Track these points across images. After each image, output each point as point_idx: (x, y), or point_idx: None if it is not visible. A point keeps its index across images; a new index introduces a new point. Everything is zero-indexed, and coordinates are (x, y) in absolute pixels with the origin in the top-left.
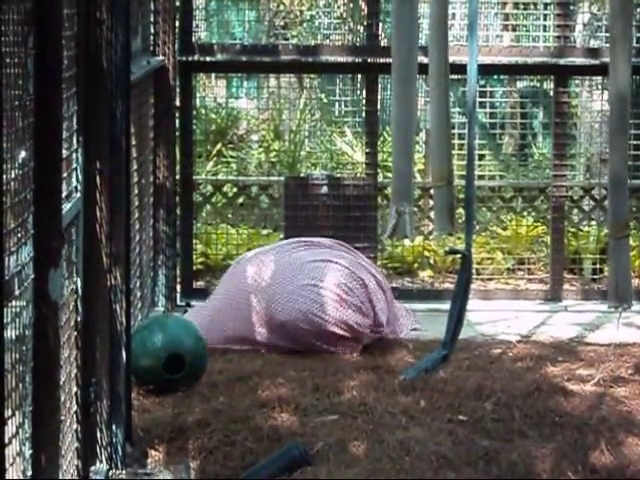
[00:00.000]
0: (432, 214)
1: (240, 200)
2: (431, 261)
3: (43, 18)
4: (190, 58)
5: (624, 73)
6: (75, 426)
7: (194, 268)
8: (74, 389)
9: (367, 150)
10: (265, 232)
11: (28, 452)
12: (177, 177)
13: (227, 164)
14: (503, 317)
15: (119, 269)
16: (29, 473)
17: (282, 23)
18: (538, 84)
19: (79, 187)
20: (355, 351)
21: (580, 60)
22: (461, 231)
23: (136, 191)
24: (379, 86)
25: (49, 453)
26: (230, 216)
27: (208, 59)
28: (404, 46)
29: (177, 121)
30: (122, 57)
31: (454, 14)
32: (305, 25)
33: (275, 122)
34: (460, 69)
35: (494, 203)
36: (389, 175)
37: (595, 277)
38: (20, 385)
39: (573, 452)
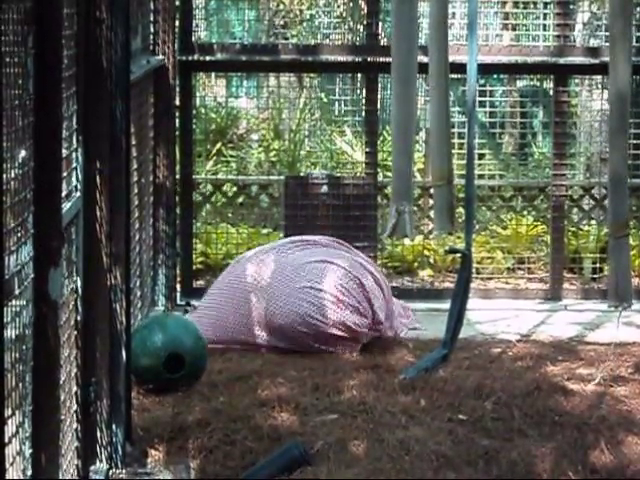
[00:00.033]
0: (432, 213)
1: (240, 199)
2: (431, 260)
3: (43, 17)
4: (190, 57)
5: (624, 72)
6: (75, 425)
7: (194, 267)
8: (74, 388)
9: (367, 149)
10: (265, 231)
11: (28, 451)
12: (177, 176)
13: (227, 163)
14: (503, 316)
15: (119, 268)
16: (29, 472)
17: (282, 22)
18: (538, 83)
19: (79, 186)
20: (354, 351)
21: (580, 59)
22: (461, 230)
23: (136, 190)
24: (379, 85)
25: (49, 452)
26: (230, 215)
27: (208, 58)
28: (404, 45)
29: (177, 120)
30: (122, 56)
31: (454, 13)
32: (305, 24)
33: (275, 121)
34: (460, 68)
35: (494, 202)
36: (389, 174)
37: (595, 276)
38: (20, 384)
39: (573, 451)
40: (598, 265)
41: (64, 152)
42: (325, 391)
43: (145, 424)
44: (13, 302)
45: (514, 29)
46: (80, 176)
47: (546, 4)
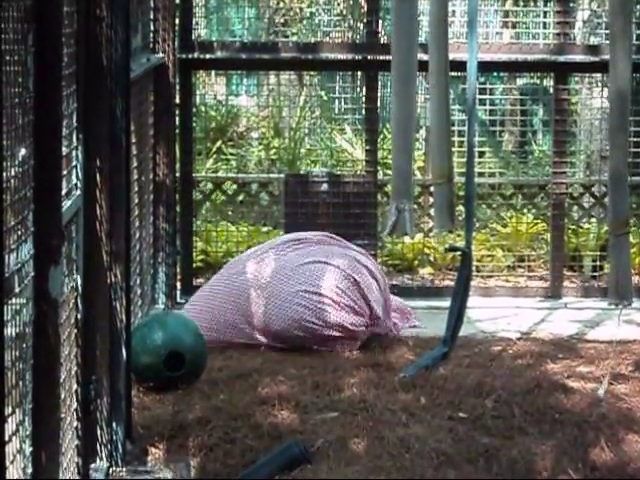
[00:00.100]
0: (432, 211)
1: (240, 197)
2: (431, 258)
3: (43, 16)
4: (190, 55)
5: (624, 70)
6: (75, 424)
7: (194, 265)
8: (74, 387)
9: (367, 147)
10: (265, 229)
11: (28, 450)
12: (177, 174)
13: (227, 161)
14: (503, 314)
15: (119, 267)
16: (29, 471)
17: (282, 20)
18: (538, 81)
19: (79, 184)
20: (353, 348)
21: (580, 57)
22: (461, 228)
23: (136, 189)
24: (379, 83)
25: (49, 451)
26: (230, 213)
27: (208, 56)
28: (404, 43)
29: (177, 118)
30: (122, 55)
31: (454, 11)
32: (305, 22)
33: (275, 119)
34: (460, 66)
35: (494, 200)
36: (389, 172)
37: (595, 274)
38: (20, 383)
39: (573, 449)
40: (598, 263)
41: (64, 150)
42: (325, 389)
43: (145, 422)
44: (13, 300)
45: (514, 27)
46: (80, 174)
47: (546, 2)
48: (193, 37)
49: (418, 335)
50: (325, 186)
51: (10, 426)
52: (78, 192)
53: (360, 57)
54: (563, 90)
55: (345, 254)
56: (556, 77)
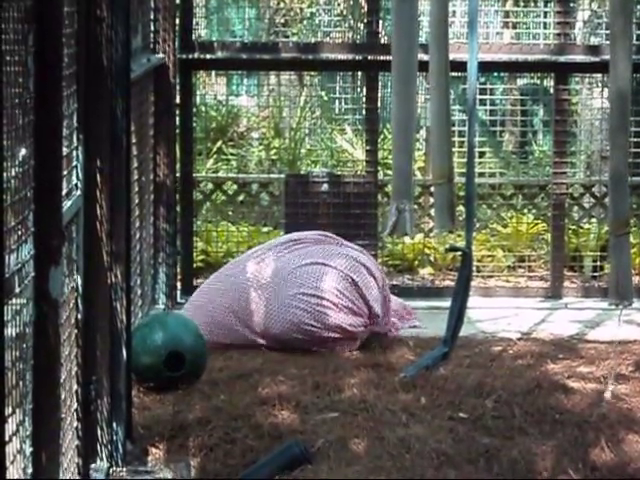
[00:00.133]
0: (432, 211)
1: (240, 198)
2: (431, 258)
3: (43, 16)
4: (190, 56)
5: (624, 70)
6: (75, 424)
7: (194, 266)
8: (74, 387)
9: (367, 148)
10: (265, 230)
11: (28, 450)
12: (177, 175)
13: (227, 162)
14: (503, 314)
15: (119, 267)
16: (29, 471)
17: (282, 20)
18: (538, 81)
19: (79, 185)
20: (352, 348)
21: (580, 57)
22: (461, 228)
23: (136, 189)
24: (379, 84)
25: (49, 451)
26: (230, 214)
27: (208, 57)
28: (404, 44)
29: (177, 119)
30: (122, 55)
31: (454, 11)
32: (305, 22)
33: (275, 120)
34: (460, 66)
35: (494, 200)
36: (389, 173)
37: (595, 274)
38: (20, 383)
39: (573, 449)
40: (599, 263)
41: (64, 150)
42: (326, 389)
43: (146, 422)
44: (13, 300)
45: (514, 27)
46: (80, 174)
47: (546, 2)
48: (193, 37)
49: (418, 335)
50: (325, 186)
51: (10, 426)
52: (78, 192)
53: (360, 57)
54: (563, 90)
55: (342, 253)
56: (556, 77)
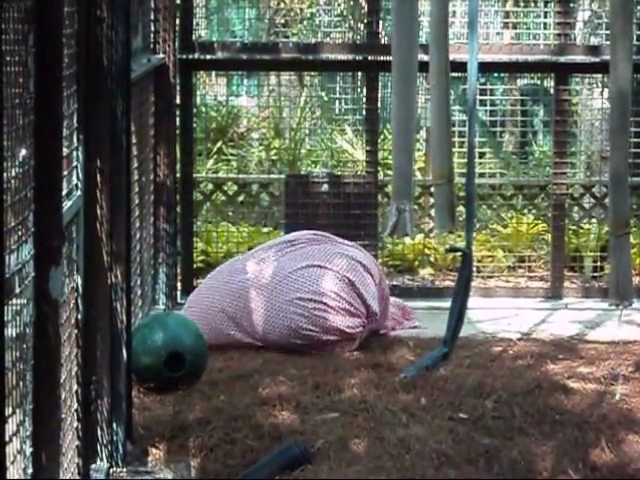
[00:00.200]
0: (432, 212)
1: (240, 198)
2: (431, 259)
3: (43, 16)
4: (190, 56)
5: (625, 71)
6: (76, 424)
7: (194, 266)
8: (74, 387)
9: (367, 148)
10: (265, 230)
11: (29, 450)
12: (177, 175)
13: (227, 162)
14: (504, 315)
15: (120, 267)
16: (30, 471)
17: (282, 21)
18: (538, 82)
19: (79, 185)
20: (351, 349)
21: (580, 58)
22: (461, 229)
23: (136, 189)
24: (379, 84)
25: (50, 451)
26: (230, 214)
27: (208, 57)
28: (404, 44)
29: (177, 119)
30: (122, 55)
31: (454, 12)
32: (305, 23)
33: (275, 120)
34: (460, 67)
35: (494, 201)
36: (389, 173)
37: (596, 275)
38: (21, 383)
39: (573, 450)
40: (599, 264)
41: (65, 151)
42: (326, 390)
43: (146, 423)
44: (14, 301)
45: (515, 27)
46: (81, 175)
47: (547, 2)
48: (194, 38)
49: (418, 336)
50: (325, 187)
51: (11, 426)
52: (78, 193)
53: (360, 58)
54: (564, 91)
55: (338, 253)
56: (557, 78)
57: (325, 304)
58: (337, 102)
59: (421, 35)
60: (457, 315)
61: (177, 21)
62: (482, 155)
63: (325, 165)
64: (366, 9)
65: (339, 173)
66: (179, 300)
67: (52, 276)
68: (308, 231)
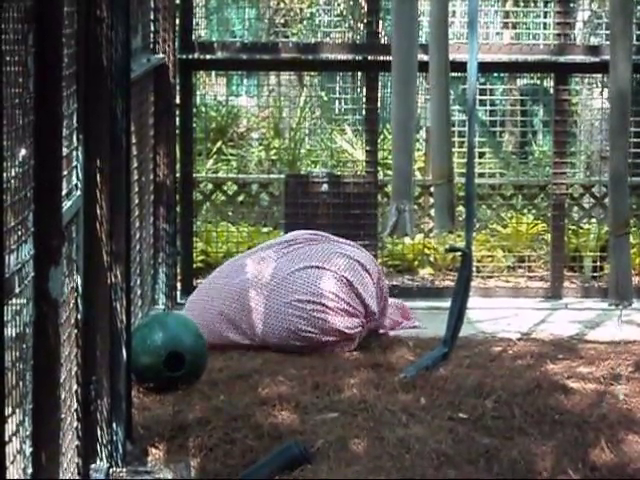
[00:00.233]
0: (432, 212)
1: (240, 198)
2: (431, 259)
3: (43, 16)
4: (190, 56)
5: (624, 71)
6: (75, 424)
7: (194, 266)
8: (74, 387)
9: (367, 148)
10: (265, 230)
11: (28, 450)
12: (177, 175)
13: (227, 162)
14: (503, 315)
15: (119, 267)
16: (29, 471)
17: (282, 21)
18: (538, 82)
19: (79, 185)
20: (350, 348)
21: (580, 58)
22: (461, 229)
23: (136, 189)
24: (379, 84)
25: (49, 451)
26: (230, 214)
27: (208, 57)
28: (404, 44)
29: (177, 119)
30: (122, 55)
31: (454, 12)
32: (305, 23)
33: (275, 120)
34: (460, 67)
35: (494, 201)
36: (389, 173)
37: (595, 275)
38: (20, 383)
39: (573, 450)
40: (598, 263)
41: (64, 150)
42: (325, 389)
43: (145, 422)
44: (13, 301)
45: (514, 27)
46: (80, 175)
47: (546, 2)
48: (193, 38)
49: (418, 336)
50: (325, 187)
51: (10, 426)
52: (78, 192)
53: (360, 57)
54: (563, 91)
55: (336, 252)
56: (556, 78)
57: (324, 305)
58: (337, 102)
59: (421, 35)
60: (457, 315)
61: (177, 21)
62: (482, 155)
63: (325, 165)
64: (366, 9)
65: (339, 173)
66: (179, 300)
67: (52, 276)
68: (305, 231)
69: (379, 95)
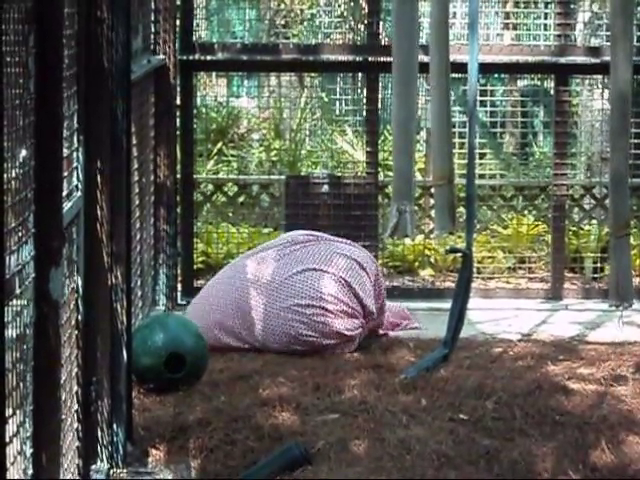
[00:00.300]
0: (433, 213)
1: (241, 199)
2: (432, 260)
3: (44, 17)
4: (191, 57)
5: (625, 72)
6: (76, 425)
7: (195, 267)
8: (75, 388)
9: (368, 149)
10: (266, 231)
11: (29, 451)
12: (178, 176)
13: (228, 163)
14: (504, 316)
15: (120, 268)
16: (30, 472)
17: (283, 22)
18: (539, 83)
19: (80, 186)
20: (351, 349)
21: (581, 59)
22: (462, 230)
23: (137, 190)
24: (380, 85)
25: (50, 452)
26: (231, 215)
27: (209, 58)
28: (405, 45)
29: (178, 120)
30: (123, 56)
31: (455, 13)
32: (306, 24)
33: (276, 121)
34: (461, 68)
35: (495, 202)
36: (390, 174)
37: (596, 276)
38: (21, 384)
39: (574, 451)
40: (599, 265)
41: (65, 151)
42: (326, 391)
43: (146, 423)
44: (14, 302)
45: (515, 28)
46: (81, 175)
47: (547, 4)
48: (194, 39)
49: (419, 337)
50: (326, 188)
51: (11, 427)
52: (79, 193)
53: (361, 59)
54: (564, 92)
55: (334, 252)
56: (557, 79)
57: (324, 308)
58: (337, 103)
59: (421, 36)
60: (457, 316)
61: (177, 22)
62: (482, 156)
63: (325, 166)
64: (366, 10)
65: (339, 174)
66: (179, 301)
67: (52, 277)
68: (302, 231)
69: (380, 96)
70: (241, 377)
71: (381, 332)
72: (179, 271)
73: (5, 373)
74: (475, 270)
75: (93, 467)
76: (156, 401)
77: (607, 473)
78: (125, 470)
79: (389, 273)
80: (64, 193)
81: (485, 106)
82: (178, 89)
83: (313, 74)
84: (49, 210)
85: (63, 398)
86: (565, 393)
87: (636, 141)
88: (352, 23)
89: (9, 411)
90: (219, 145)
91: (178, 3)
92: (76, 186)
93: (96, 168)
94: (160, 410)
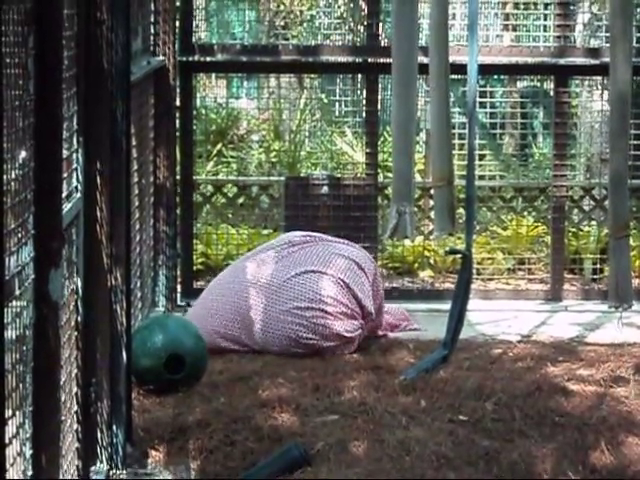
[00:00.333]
0: (432, 214)
1: (240, 200)
2: (431, 261)
3: (43, 18)
4: (190, 58)
5: (624, 73)
6: (75, 426)
7: (194, 268)
8: (74, 389)
9: (367, 150)
10: (265, 232)
11: (28, 452)
12: (177, 177)
13: (227, 164)
14: (503, 317)
15: (119, 269)
16: (29, 473)
17: (282, 23)
18: (538, 84)
19: (79, 187)
20: (350, 350)
21: (580, 60)
22: (461, 231)
23: (136, 191)
24: (379, 86)
25: (49, 453)
26: (230, 216)
27: (208, 59)
28: (404, 46)
29: (177, 121)
30: (122, 57)
31: (454, 14)
32: (305, 25)
33: (275, 122)
34: (460, 69)
35: (494, 203)
36: (389, 175)
37: (595, 277)
38: (20, 385)
39: (573, 452)
40: (598, 266)
41: (64, 153)
42: (325, 392)
43: (145, 425)
44: (14, 303)
45: (514, 30)
46: (80, 177)
47: (546, 5)
48: (193, 40)
49: (418, 338)
50: (325, 189)
51: (10, 429)
52: (78, 195)
53: (360, 60)
54: (563, 93)
55: (332, 253)
56: (556, 80)
57: (323, 311)
58: (337, 104)
59: (421, 37)
60: (457, 317)
61: (177, 23)
62: (482, 157)
63: (325, 167)
64: (366, 11)
65: (339, 175)
66: (179, 302)
67: (52, 278)
68: (299, 232)
69: (379, 97)
70: (241, 378)
71: (380, 333)
72: (179, 272)
73: (5, 374)
74: (475, 271)
75: (93, 468)
76: (156, 402)
77: (606, 474)
78: (125, 471)
79: (389, 274)
80: (64, 194)
81: (485, 107)
82: (178, 90)
83: (313, 75)
84: (49, 211)
85: (63, 399)
86: (565, 394)
87: (635, 142)
88: (352, 24)
89: (9, 412)
90: (219, 146)
91: (178, 4)
92: (76, 187)
93: (96, 169)
94: (160, 411)
